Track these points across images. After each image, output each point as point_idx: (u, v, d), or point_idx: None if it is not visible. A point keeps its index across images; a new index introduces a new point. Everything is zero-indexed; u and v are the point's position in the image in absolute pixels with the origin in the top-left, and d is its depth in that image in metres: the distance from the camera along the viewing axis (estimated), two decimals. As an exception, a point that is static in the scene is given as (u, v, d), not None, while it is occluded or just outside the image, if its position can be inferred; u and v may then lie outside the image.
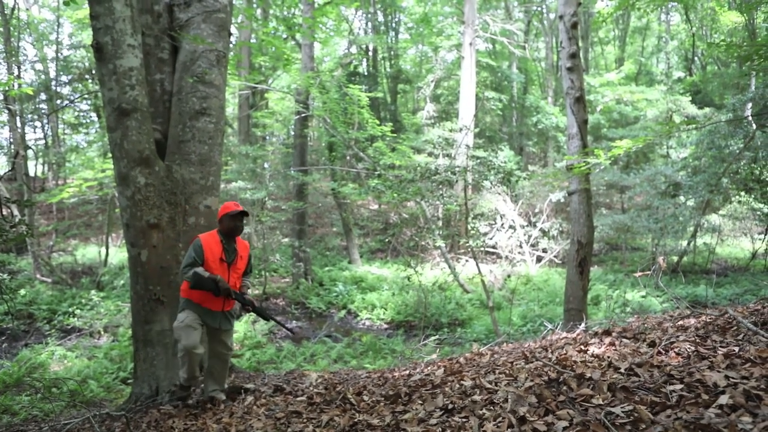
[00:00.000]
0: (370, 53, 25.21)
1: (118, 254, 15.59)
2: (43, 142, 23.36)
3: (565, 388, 2.54)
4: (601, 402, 2.30)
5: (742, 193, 12.91)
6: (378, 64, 25.55)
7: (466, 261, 14.50)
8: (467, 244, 10.28)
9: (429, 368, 3.81)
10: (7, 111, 15.72)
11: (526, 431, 2.20)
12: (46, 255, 14.64)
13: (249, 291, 3.94)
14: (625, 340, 3.27)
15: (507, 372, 3.05)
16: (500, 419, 2.35)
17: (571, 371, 2.71)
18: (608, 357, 2.87)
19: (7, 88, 10.28)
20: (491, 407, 2.53)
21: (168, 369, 4.13)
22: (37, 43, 21.08)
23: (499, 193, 14.86)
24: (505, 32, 20.01)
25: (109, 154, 4.57)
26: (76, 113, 22.90)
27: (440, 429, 2.43)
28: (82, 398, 5.56)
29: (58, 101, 20.60)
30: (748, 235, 14.73)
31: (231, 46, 5.03)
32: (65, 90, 21.89)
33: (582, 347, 3.30)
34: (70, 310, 11.18)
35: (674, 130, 10.31)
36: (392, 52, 26.20)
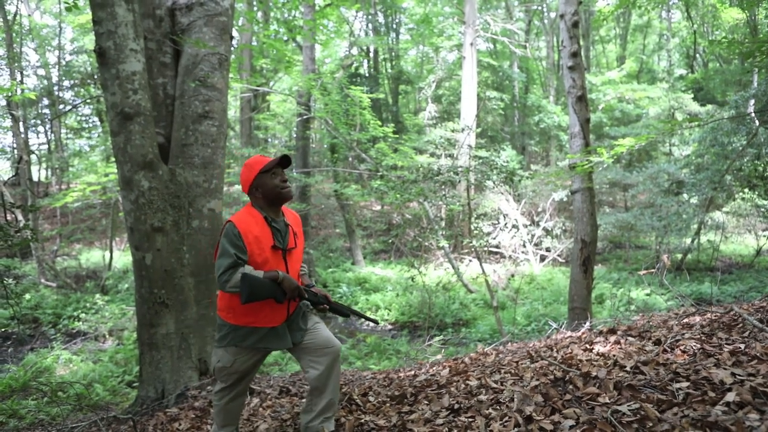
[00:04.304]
0: (371, 54, 25.23)
1: (122, 258, 15.64)
2: (46, 146, 23.46)
3: (571, 386, 2.54)
4: (607, 400, 2.29)
5: (746, 190, 12.87)
6: (379, 66, 25.57)
7: (470, 261, 14.49)
8: (471, 244, 10.27)
9: (434, 368, 3.81)
10: (10, 116, 15.79)
11: (533, 430, 2.19)
12: (50, 259, 14.69)
13: (312, 281, 2.71)
14: (630, 338, 3.27)
15: (512, 371, 3.05)
16: (507, 419, 2.35)
17: (576, 370, 2.71)
18: (614, 355, 2.87)
19: (10, 94, 10.32)
20: (497, 407, 2.53)
21: (173, 372, 4.14)
22: (40, 48, 21.17)
23: (502, 193, 14.85)
24: (506, 32, 20.01)
25: (112, 159, 4.60)
26: (79, 118, 22.98)
27: (447, 429, 2.43)
28: (88, 402, 5.58)
29: (61, 106, 20.68)
30: (753, 232, 14.68)
31: (232, 49, 5.04)
32: (68, 95, 22.01)
33: (587, 346, 3.29)
34: (75, 314, 11.21)
35: (677, 128, 10.28)
36: (393, 53, 26.22)
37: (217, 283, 2.36)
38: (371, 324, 11.75)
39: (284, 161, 2.52)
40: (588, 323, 4.82)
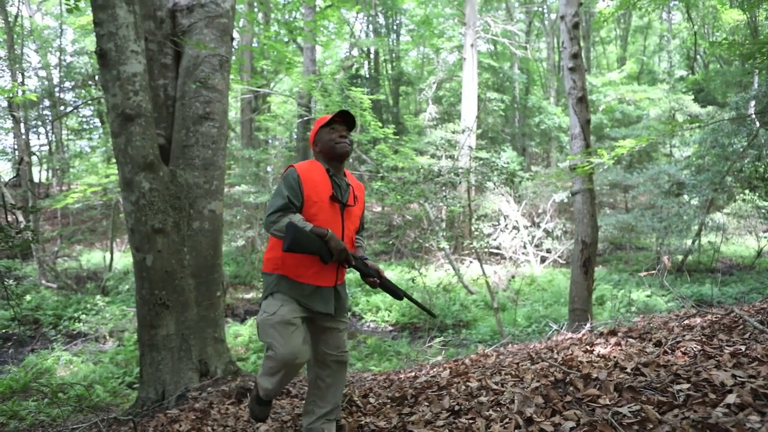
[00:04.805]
0: (372, 56, 25.26)
1: (123, 259, 15.64)
2: (47, 148, 23.49)
3: (571, 388, 2.54)
4: (608, 402, 2.29)
5: (747, 191, 12.87)
6: (380, 67, 25.60)
7: (470, 262, 14.49)
8: (471, 246, 10.27)
9: (435, 370, 3.81)
10: (11, 118, 15.81)
11: (533, 432, 2.19)
12: (51, 260, 14.70)
13: (365, 253, 2.65)
14: (630, 339, 3.27)
15: (513, 373, 3.05)
16: (507, 420, 2.35)
17: (577, 371, 2.71)
18: (614, 357, 2.86)
19: (11, 95, 10.34)
20: (498, 408, 2.53)
21: (174, 373, 4.14)
22: (41, 49, 21.20)
23: (503, 194, 14.85)
24: (507, 33, 20.03)
25: (113, 160, 4.60)
26: (80, 119, 23.02)
27: (447, 430, 2.43)
28: (88, 403, 5.58)
29: (62, 107, 20.71)
30: (753, 233, 14.68)
31: (233, 50, 5.05)
32: (69, 96, 22.04)
33: (588, 347, 3.29)
34: (76, 315, 11.21)
35: (677, 129, 10.29)
36: (394, 55, 26.25)
37: (264, 222, 2.32)
38: (372, 325, 11.75)
39: (347, 117, 2.49)
40: (588, 325, 4.82)
